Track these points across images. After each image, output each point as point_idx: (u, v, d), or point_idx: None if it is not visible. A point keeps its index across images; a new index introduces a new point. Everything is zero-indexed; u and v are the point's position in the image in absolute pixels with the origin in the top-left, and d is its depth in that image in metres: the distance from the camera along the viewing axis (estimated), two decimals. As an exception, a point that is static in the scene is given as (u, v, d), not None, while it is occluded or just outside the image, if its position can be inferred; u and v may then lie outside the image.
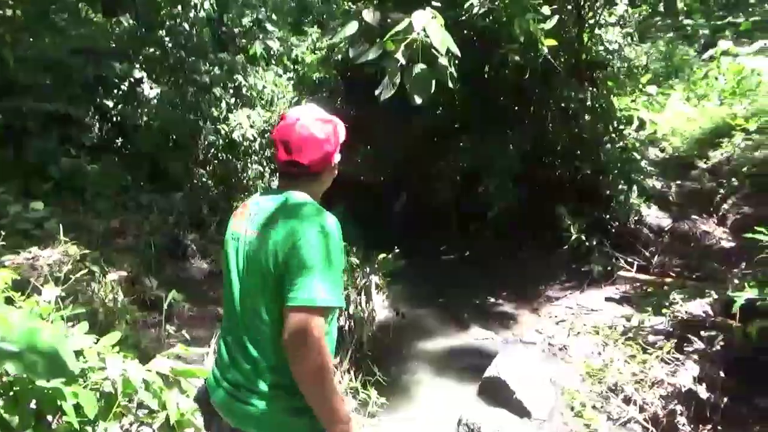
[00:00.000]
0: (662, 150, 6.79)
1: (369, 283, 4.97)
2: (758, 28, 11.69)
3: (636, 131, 5.73)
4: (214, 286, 4.95)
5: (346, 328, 4.35)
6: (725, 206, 5.26)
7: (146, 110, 6.23)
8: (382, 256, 5.05)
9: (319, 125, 1.54)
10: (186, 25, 6.96)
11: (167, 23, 6.90)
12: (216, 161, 7.24)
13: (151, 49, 6.70)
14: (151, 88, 6.25)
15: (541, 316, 4.91)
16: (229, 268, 1.54)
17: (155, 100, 6.31)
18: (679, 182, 6.02)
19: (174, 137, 6.67)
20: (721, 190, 5.48)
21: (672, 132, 7.00)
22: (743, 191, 5.25)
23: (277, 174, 1.66)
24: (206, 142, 6.98)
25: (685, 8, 11.15)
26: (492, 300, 5.35)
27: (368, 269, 5.04)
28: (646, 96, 7.24)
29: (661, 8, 11.51)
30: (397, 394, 3.88)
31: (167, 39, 6.77)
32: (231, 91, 7.23)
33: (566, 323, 4.59)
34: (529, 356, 4.12)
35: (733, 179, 5.47)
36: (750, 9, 11.75)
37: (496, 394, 3.68)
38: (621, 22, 7.62)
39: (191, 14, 6.97)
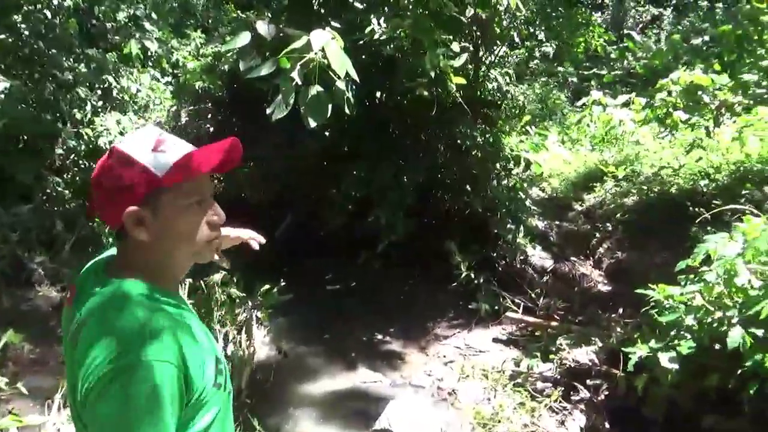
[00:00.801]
0: (542, 190, 7.11)
1: (250, 318, 4.56)
2: (618, 82, 12.97)
3: (523, 171, 5.90)
4: (64, 319, 4.24)
5: (223, 372, 3.91)
6: (601, 250, 5.55)
7: (-10, 106, 5.31)
8: (265, 287, 4.67)
9: (107, 161, 1.05)
10: (48, 13, 6.10)
11: (24, 8, 5.99)
12: (76, 169, 6.37)
13: (2, 36, 5.76)
14: (-2, 80, 5.35)
15: (429, 356, 4.79)
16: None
17: (2, 95, 5.40)
18: (557, 223, 6.29)
19: (24, 138, 5.77)
20: (596, 234, 5.80)
21: (551, 173, 7.38)
22: (616, 236, 5.58)
23: None
24: (65, 147, 6.12)
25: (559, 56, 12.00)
26: (380, 337, 5.15)
27: (250, 303, 4.63)
28: (525, 136, 7.62)
29: (536, 53, 12.34)
30: (279, 450, 3.51)
31: (23, 26, 5.86)
32: (99, 92, 6.43)
33: (455, 364, 4.50)
34: (419, 403, 3.95)
35: (607, 223, 5.81)
36: (612, 63, 13.00)
37: (387, 447, 3.45)
38: (500, 62, 7.95)
39: (55, 1, 6.12)
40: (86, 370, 0.94)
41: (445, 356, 4.71)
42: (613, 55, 13.02)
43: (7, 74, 5.66)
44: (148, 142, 1.06)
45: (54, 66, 5.90)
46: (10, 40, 5.84)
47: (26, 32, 5.89)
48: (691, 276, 3.27)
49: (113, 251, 1.18)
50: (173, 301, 1.08)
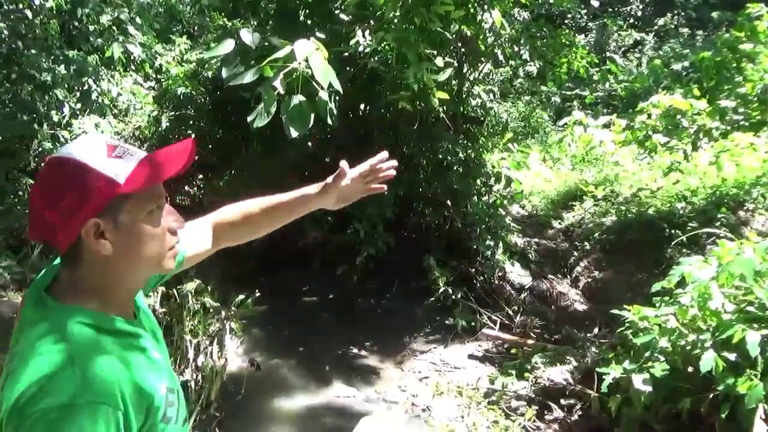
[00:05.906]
0: (523, 207, 7.13)
1: (223, 329, 4.47)
2: (599, 103, 13.15)
3: (504, 188, 5.91)
4: (30, 325, 4.10)
5: (192, 384, 3.82)
6: (578, 268, 5.56)
7: (-36, 105, 5.19)
8: (240, 297, 4.59)
9: (53, 174, 0.96)
10: (29, 13, 5.99)
11: (4, 7, 5.89)
12: (50, 172, 6.25)
13: (-20, 34, 5.65)
14: (-27, 79, 5.23)
15: (404, 371, 4.74)
16: None
17: (-23, 94, 5.30)
18: (537, 240, 6.30)
19: (-2, 139, 5.64)
20: (575, 252, 5.81)
21: (531, 191, 7.42)
22: (594, 255, 5.60)
23: None
24: (40, 149, 6.00)
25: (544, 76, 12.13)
26: (355, 350, 5.08)
27: (223, 313, 4.53)
28: (508, 153, 7.67)
29: (520, 71, 12.46)
30: (247, 466, 3.42)
31: (2, 25, 5.75)
32: (78, 94, 6.32)
33: (430, 381, 4.46)
34: (393, 419, 3.91)
35: (585, 242, 5.83)
36: (594, 85, 13.19)
37: (358, 465, 3.39)
38: (485, 80, 8.01)
39: (36, 1, 6.02)
40: (8, 404, 0.84)
41: (420, 372, 4.66)
42: (595, 77, 13.22)
43: (-16, 74, 5.56)
44: (100, 148, 0.97)
45: (32, 66, 5.78)
46: (-13, 39, 5.74)
47: (5, 32, 5.78)
48: (666, 298, 3.28)
49: (57, 267, 1.06)
50: (126, 329, 1.00)
